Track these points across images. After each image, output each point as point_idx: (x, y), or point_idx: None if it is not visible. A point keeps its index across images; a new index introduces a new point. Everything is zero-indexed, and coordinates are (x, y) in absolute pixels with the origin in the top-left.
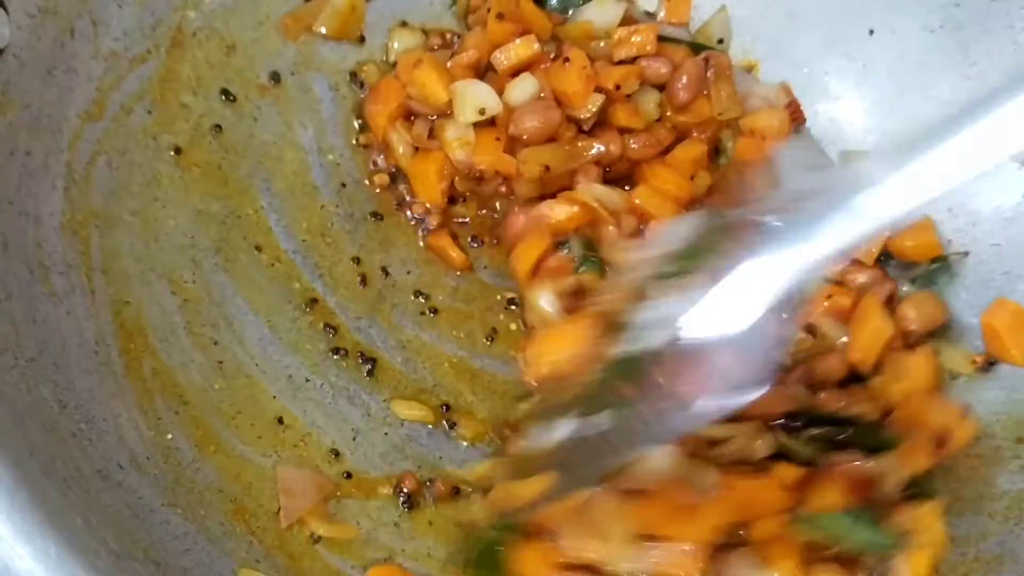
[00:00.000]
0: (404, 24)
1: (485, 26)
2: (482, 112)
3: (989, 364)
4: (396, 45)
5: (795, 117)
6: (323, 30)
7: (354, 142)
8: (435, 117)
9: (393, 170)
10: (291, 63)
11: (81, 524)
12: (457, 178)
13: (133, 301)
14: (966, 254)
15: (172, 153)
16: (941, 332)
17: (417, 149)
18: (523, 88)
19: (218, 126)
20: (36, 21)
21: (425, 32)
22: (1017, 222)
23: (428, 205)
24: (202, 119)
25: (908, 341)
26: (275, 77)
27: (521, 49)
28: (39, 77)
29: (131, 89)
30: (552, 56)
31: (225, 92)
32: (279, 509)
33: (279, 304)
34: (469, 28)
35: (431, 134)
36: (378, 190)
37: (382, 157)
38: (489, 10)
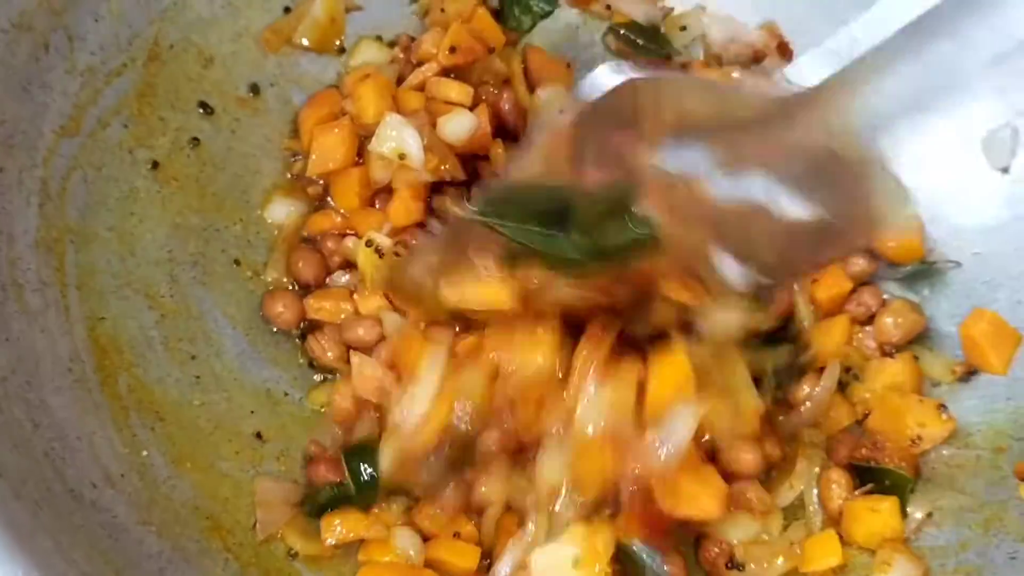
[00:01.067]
0: (379, 39)
1: (442, 27)
2: (401, 157)
3: (969, 374)
4: (358, 57)
5: (783, 52)
6: (304, 42)
7: (283, 148)
8: (364, 136)
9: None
10: (270, 75)
11: (51, 546)
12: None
13: (109, 317)
14: (957, 264)
15: (149, 167)
16: (918, 340)
17: None
18: (458, 123)
19: (196, 139)
20: (9, 36)
21: (391, 45)
22: (998, 232)
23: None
24: (179, 132)
25: (886, 350)
26: (254, 89)
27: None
28: (13, 93)
29: (107, 103)
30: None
31: (203, 105)
32: (255, 523)
33: (258, 318)
34: (427, 28)
35: (359, 150)
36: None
37: (303, 162)
38: (443, 10)
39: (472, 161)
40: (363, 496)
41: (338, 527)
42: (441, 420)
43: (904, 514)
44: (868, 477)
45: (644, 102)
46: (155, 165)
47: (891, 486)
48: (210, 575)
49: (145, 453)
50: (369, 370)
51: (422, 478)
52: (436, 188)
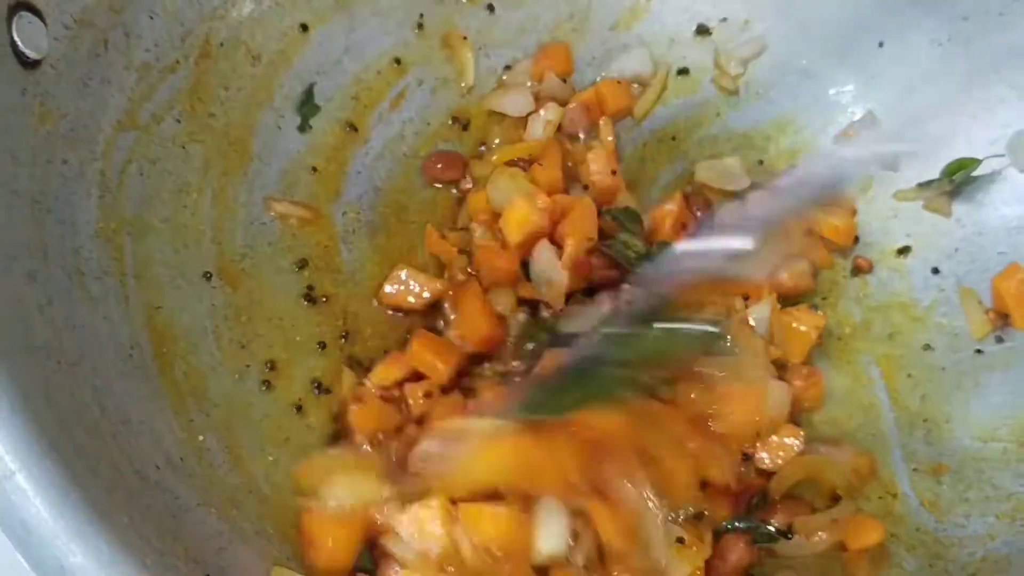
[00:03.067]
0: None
1: None
2: None
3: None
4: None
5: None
6: None
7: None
8: None
9: None
10: (315, 72)
11: (127, 522)
12: None
13: (165, 306)
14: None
15: (201, 162)
16: None
17: None
18: None
19: (245, 135)
20: (72, 32)
21: None
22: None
23: None
24: (229, 128)
25: None
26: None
27: None
28: (75, 87)
29: (162, 99)
30: None
31: (252, 102)
32: None
33: (302, 308)
34: None
35: None
36: None
37: None
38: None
39: None
40: None
41: None
42: None
43: None
44: None
45: None
46: (206, 160)
47: None
48: (267, 556)
49: (201, 438)
50: None
51: None
52: None
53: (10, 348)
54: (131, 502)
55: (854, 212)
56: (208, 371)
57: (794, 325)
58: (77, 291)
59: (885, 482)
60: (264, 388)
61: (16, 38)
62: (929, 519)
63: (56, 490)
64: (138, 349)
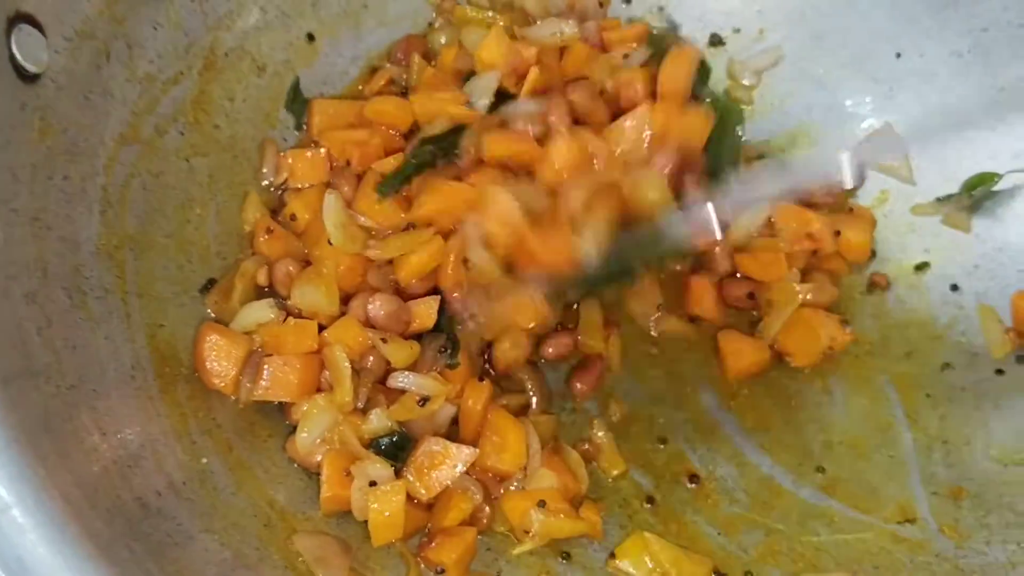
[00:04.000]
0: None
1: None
2: None
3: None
4: None
5: None
6: None
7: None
8: None
9: None
10: (321, 83)
11: (128, 555)
12: None
13: (167, 324)
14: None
15: (204, 175)
16: None
17: None
18: None
19: (250, 148)
20: (73, 44)
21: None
22: None
23: None
24: (233, 140)
25: None
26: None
27: None
28: (76, 101)
29: (165, 111)
30: None
31: (257, 113)
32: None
33: None
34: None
35: None
36: None
37: None
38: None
39: None
40: None
41: None
42: None
43: None
44: None
45: None
46: (210, 172)
47: None
48: None
49: (204, 460)
50: None
51: None
52: None
53: (8, 375)
54: (132, 532)
55: (873, 225)
56: (210, 390)
57: (812, 325)
58: (78, 311)
59: (904, 506)
60: (268, 406)
61: (15, 51)
62: (948, 546)
63: (54, 524)
64: (139, 369)
